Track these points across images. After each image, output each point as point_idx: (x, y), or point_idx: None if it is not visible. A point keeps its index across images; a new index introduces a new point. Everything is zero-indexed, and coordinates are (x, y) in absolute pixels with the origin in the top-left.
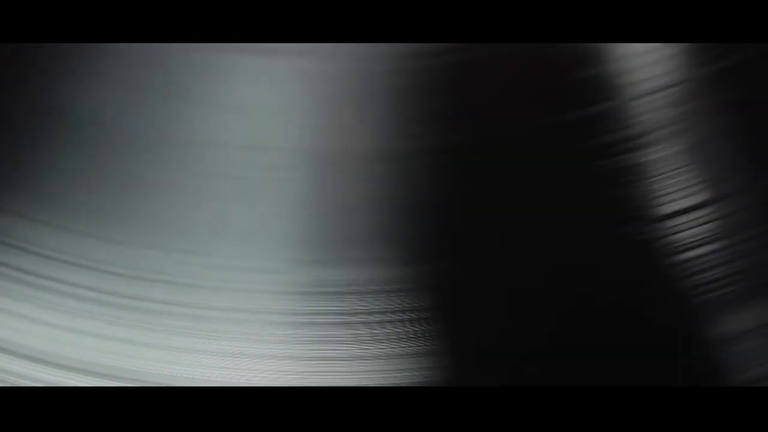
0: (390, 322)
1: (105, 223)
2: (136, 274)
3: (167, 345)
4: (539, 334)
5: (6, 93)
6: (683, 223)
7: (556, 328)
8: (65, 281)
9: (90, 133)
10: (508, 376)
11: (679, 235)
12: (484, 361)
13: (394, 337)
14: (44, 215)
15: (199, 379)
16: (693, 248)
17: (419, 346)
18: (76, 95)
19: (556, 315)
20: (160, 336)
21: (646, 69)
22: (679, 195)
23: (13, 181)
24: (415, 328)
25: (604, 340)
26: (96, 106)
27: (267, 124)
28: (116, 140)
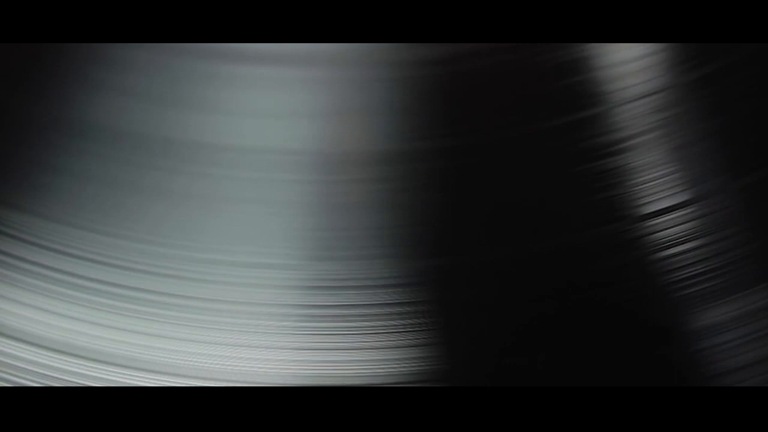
0: (387, 315)
1: (118, 221)
2: (145, 269)
3: (171, 336)
4: (532, 328)
5: (15, 94)
6: (665, 221)
7: (548, 321)
8: (85, 277)
9: (99, 134)
10: (501, 369)
11: (662, 233)
12: (477, 354)
13: (392, 329)
14: (56, 213)
15: (203, 369)
16: (674, 245)
17: (415, 338)
18: (85, 96)
19: (547, 309)
20: (165, 327)
21: (631, 76)
22: (662, 195)
23: (27, 181)
24: (411, 321)
25: (592, 332)
26: (104, 108)
27: (273, 128)
28: (125, 142)
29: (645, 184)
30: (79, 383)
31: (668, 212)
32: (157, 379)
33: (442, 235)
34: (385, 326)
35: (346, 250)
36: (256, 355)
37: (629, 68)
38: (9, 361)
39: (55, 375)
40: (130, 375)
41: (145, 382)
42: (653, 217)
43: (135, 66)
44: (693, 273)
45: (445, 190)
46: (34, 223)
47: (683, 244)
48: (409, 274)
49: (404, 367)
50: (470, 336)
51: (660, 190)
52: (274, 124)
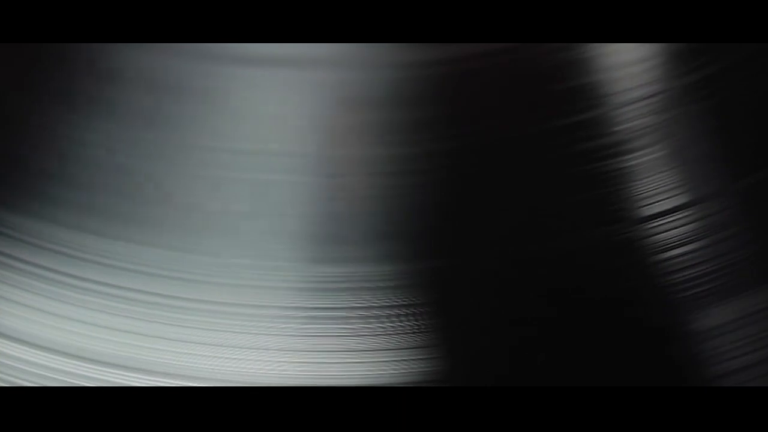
0: (387, 316)
1: (118, 223)
2: (145, 270)
3: (170, 337)
4: (530, 328)
5: (16, 96)
6: (665, 223)
7: (548, 322)
8: (84, 278)
9: (100, 136)
10: (501, 369)
11: (661, 235)
12: (477, 354)
13: (391, 331)
14: (56, 215)
15: (202, 369)
16: (674, 247)
17: (415, 340)
18: (86, 97)
19: (545, 310)
20: (164, 328)
21: (631, 78)
22: (662, 197)
23: (27, 183)
24: (411, 323)
25: (592, 333)
26: (105, 109)
27: (272, 129)
28: (125, 144)
29: (645, 185)
30: (77, 384)
31: (668, 214)
32: (157, 380)
33: (442, 236)
34: (385, 327)
35: (346, 251)
36: (256, 356)
37: (629, 70)
38: (8, 362)
39: (54, 376)
40: (129, 376)
41: (144, 382)
42: (653, 219)
43: (135, 66)
44: (693, 275)
45: (445, 191)
46: (34, 225)
47: (683, 245)
48: (409, 275)
49: (404, 367)
50: (470, 337)
51: (660, 191)
52: (273, 125)
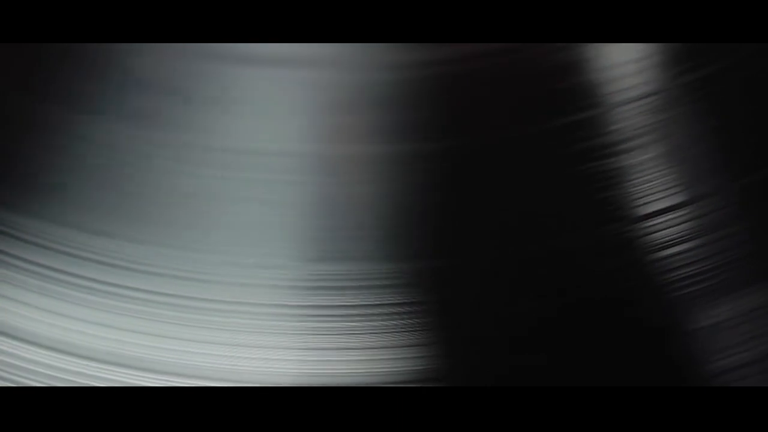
0: (387, 316)
1: (121, 222)
2: (146, 269)
3: (172, 336)
4: (531, 328)
5: (18, 95)
6: (662, 222)
7: (547, 321)
8: (86, 277)
9: (101, 136)
10: (501, 369)
11: (658, 234)
12: (477, 354)
13: (391, 330)
14: (58, 214)
15: (203, 369)
16: (671, 246)
17: (415, 339)
18: (88, 98)
19: (546, 309)
20: (166, 327)
21: (629, 78)
22: (658, 196)
23: (28, 182)
24: (411, 322)
25: (591, 332)
26: (106, 109)
27: (273, 129)
28: (126, 144)
29: (643, 185)
30: (80, 383)
31: (666, 213)
32: (158, 379)
33: (441, 235)
34: (384, 327)
35: (346, 250)
36: (256, 355)
37: (627, 70)
38: (11, 360)
39: (57, 374)
40: (131, 375)
41: (146, 382)
42: (651, 218)
43: (135, 66)
44: (691, 273)
45: (444, 191)
46: (36, 224)
47: (681, 244)
48: (409, 275)
49: (404, 367)
50: (469, 336)
51: (658, 190)
52: (273, 125)
